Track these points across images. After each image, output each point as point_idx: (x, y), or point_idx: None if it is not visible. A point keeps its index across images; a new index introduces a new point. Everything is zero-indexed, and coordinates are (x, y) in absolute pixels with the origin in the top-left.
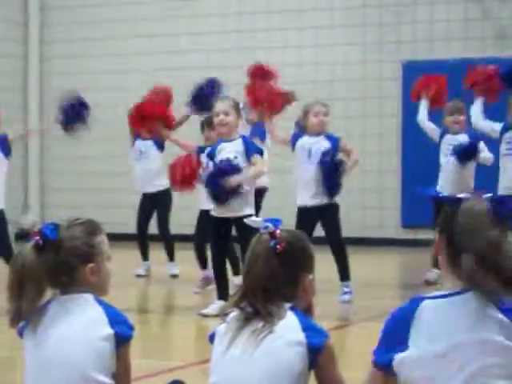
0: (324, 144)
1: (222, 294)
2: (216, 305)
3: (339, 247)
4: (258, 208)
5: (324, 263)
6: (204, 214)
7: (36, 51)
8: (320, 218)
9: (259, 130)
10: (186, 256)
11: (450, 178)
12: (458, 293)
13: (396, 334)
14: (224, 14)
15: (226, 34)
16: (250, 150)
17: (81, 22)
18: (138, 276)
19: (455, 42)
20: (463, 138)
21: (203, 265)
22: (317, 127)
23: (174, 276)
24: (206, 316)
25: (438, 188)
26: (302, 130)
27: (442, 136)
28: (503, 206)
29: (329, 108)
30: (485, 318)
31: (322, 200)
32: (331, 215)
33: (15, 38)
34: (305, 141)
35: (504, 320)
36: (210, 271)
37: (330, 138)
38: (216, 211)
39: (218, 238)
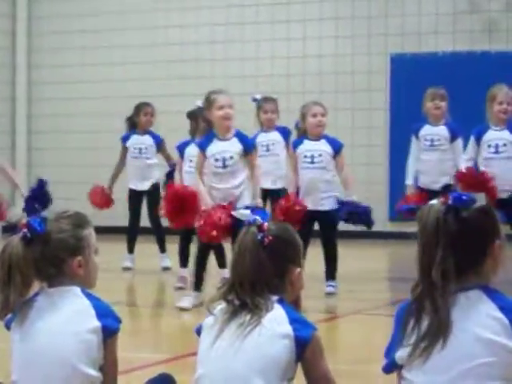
0: (326, 149)
1: (198, 285)
2: (191, 297)
3: (333, 249)
4: None
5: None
6: None
7: (24, 43)
8: (319, 221)
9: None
10: (173, 249)
11: (429, 173)
12: (457, 291)
13: (395, 332)
14: (212, 6)
15: (214, 27)
16: (248, 148)
17: (69, 14)
18: (126, 269)
19: (444, 35)
20: (443, 131)
21: (184, 262)
22: (316, 128)
23: (166, 268)
24: (183, 309)
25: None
26: (301, 132)
27: (418, 129)
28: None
29: (326, 109)
30: (482, 317)
31: (323, 206)
32: (331, 220)
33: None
34: (306, 146)
35: (502, 318)
36: (187, 272)
37: (331, 142)
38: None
39: None
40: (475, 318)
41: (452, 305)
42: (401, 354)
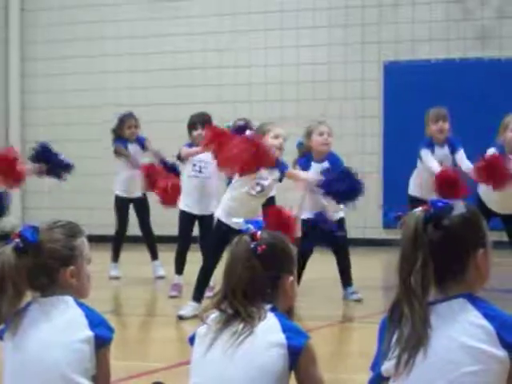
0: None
1: (199, 296)
2: (190, 306)
3: (346, 254)
4: None
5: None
6: (186, 216)
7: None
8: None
9: None
10: (164, 257)
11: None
12: (441, 300)
13: (379, 344)
14: (205, 15)
15: (207, 35)
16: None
17: (61, 23)
18: (114, 278)
19: (437, 42)
20: (446, 151)
21: (180, 269)
22: (321, 146)
23: (160, 277)
24: (182, 318)
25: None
26: (304, 150)
27: (432, 149)
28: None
29: (332, 130)
30: (466, 325)
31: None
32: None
33: None
34: (315, 169)
35: (486, 326)
36: (180, 279)
37: (332, 162)
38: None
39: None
40: (459, 326)
41: (435, 314)
42: (387, 367)
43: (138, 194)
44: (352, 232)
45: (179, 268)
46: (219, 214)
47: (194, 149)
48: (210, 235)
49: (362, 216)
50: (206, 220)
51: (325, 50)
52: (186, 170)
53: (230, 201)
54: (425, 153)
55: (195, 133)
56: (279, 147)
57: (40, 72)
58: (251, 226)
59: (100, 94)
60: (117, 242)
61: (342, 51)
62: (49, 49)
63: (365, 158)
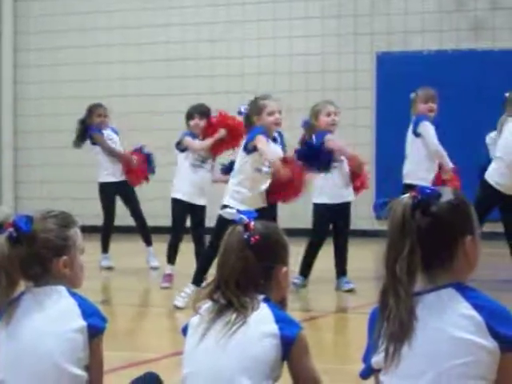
0: None
1: (200, 280)
2: (188, 290)
3: (346, 240)
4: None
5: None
6: (181, 205)
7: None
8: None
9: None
10: (156, 248)
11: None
12: (430, 290)
13: (369, 336)
14: (198, 5)
15: (200, 26)
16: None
17: (54, 13)
18: (108, 268)
19: (430, 33)
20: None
21: (172, 259)
22: (329, 126)
23: (155, 268)
24: (178, 308)
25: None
26: (310, 130)
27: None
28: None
29: (339, 108)
30: (455, 316)
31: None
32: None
33: None
34: None
35: (476, 317)
36: (173, 269)
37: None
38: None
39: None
40: (448, 317)
41: (423, 305)
42: (376, 359)
43: (121, 178)
44: None
45: (172, 258)
46: (229, 202)
47: (207, 141)
48: (217, 223)
49: (354, 207)
50: (198, 210)
51: (317, 40)
52: (188, 159)
53: (239, 186)
54: (429, 127)
55: (192, 122)
56: (278, 122)
57: (32, 63)
58: (244, 217)
59: (92, 85)
60: (107, 232)
61: (334, 42)
62: (41, 39)
63: (358, 149)
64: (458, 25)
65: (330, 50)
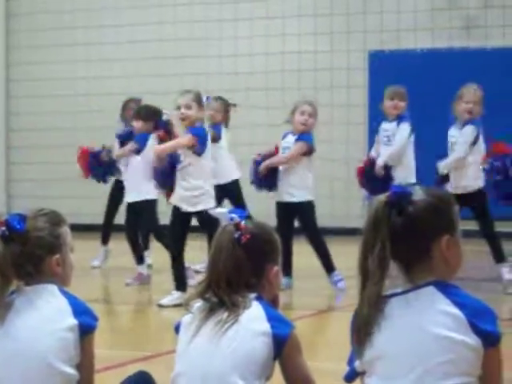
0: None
1: (182, 285)
2: (173, 296)
3: (317, 241)
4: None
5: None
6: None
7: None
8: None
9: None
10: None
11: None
12: (410, 290)
13: (352, 339)
14: (191, 3)
15: (193, 24)
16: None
17: (46, 10)
18: (97, 267)
19: (422, 31)
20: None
21: (140, 259)
22: (300, 126)
23: (149, 266)
24: (162, 307)
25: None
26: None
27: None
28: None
29: (316, 109)
30: (436, 314)
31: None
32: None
33: None
34: (289, 139)
35: (457, 314)
36: (144, 269)
37: (300, 137)
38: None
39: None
40: (429, 315)
41: (404, 304)
42: (358, 364)
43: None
44: (336, 221)
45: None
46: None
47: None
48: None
49: (346, 205)
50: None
51: (310, 38)
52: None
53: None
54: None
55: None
56: (181, 118)
57: (24, 60)
58: (235, 216)
59: (85, 83)
60: (106, 229)
61: (327, 40)
62: (32, 38)
63: (350, 147)
64: (451, 23)
65: (323, 48)
